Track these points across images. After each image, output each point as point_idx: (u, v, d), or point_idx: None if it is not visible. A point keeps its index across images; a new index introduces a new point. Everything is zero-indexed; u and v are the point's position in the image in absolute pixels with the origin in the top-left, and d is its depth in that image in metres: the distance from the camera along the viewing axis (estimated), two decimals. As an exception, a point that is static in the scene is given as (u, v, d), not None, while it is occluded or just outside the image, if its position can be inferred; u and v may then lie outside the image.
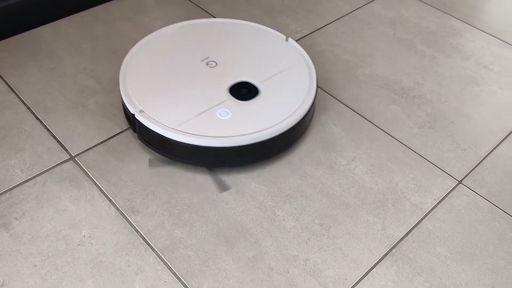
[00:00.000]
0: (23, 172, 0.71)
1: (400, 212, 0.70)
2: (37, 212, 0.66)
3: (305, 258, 0.64)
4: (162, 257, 0.63)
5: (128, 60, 0.79)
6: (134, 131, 0.74)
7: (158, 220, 0.66)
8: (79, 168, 0.72)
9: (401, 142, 0.80)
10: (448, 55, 0.97)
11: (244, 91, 0.75)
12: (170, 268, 0.62)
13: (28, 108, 0.80)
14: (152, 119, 0.70)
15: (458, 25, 1.04)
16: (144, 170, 0.72)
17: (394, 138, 0.80)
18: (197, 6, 1.03)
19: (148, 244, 0.64)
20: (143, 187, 0.70)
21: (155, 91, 0.75)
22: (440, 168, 0.76)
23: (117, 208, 0.67)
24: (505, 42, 1.00)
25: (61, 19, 0.97)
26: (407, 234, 0.67)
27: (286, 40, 0.85)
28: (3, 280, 0.59)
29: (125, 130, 0.78)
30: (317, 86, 0.78)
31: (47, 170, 0.71)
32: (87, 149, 0.75)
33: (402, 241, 0.66)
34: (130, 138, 0.77)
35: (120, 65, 0.90)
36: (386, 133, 0.81)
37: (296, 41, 0.97)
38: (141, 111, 0.71)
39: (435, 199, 0.72)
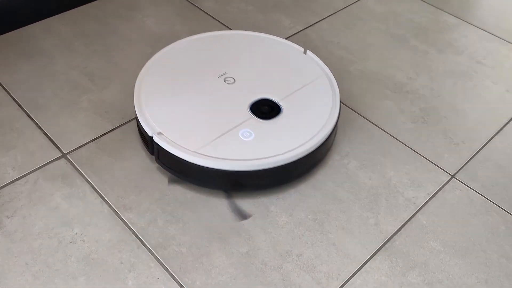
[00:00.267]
0: (15, 170, 0.70)
1: (393, 207, 0.70)
2: (29, 210, 0.66)
3: (298, 253, 0.64)
4: (155, 254, 0.62)
5: (142, 77, 0.75)
6: (151, 153, 0.70)
7: (151, 217, 0.66)
8: (71, 166, 0.71)
9: (394, 137, 0.80)
10: (441, 50, 0.97)
11: (265, 109, 0.72)
12: (163, 265, 0.61)
13: (20, 106, 0.80)
14: (171, 142, 0.66)
15: (451, 20, 1.04)
16: (136, 167, 0.72)
17: (387, 133, 0.80)
18: (190, 3, 1.03)
19: (141, 241, 0.64)
20: (136, 184, 0.70)
21: (173, 111, 0.71)
22: (433, 163, 0.76)
23: (109, 205, 0.67)
24: (498, 37, 1.01)
25: (52, 17, 0.96)
26: (400, 229, 0.67)
27: (305, 52, 0.82)
28: (-5, 279, 0.59)
29: (117, 127, 0.78)
30: (341, 102, 0.76)
31: (38, 168, 0.71)
32: (79, 147, 0.74)
33: (396, 236, 0.66)
34: (122, 136, 0.76)
35: (112, 62, 0.89)
36: (379, 128, 0.81)
37: (288, 37, 0.97)
38: (159, 133, 0.67)
39: (428, 194, 0.72)
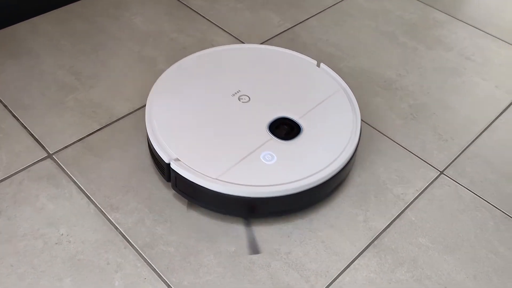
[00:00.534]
0: (0, 171, 0.69)
1: (382, 204, 0.69)
2: (14, 211, 0.65)
3: (287, 251, 0.63)
4: (142, 254, 0.62)
5: (152, 99, 0.71)
6: (167, 180, 0.66)
7: (138, 217, 0.66)
8: (57, 166, 0.71)
9: (383, 134, 0.79)
10: (431, 46, 0.97)
11: (285, 128, 0.68)
12: (150, 265, 0.61)
13: (5, 106, 0.79)
14: (190, 168, 0.62)
15: (440, 17, 1.04)
16: (124, 166, 0.71)
17: (376, 130, 0.80)
18: (178, 1, 1.02)
19: (128, 241, 0.63)
20: (123, 184, 0.69)
21: (188, 134, 0.67)
22: (422, 159, 0.76)
23: (96, 206, 0.66)
24: (487, 33, 1.01)
25: (38, 16, 0.95)
26: (389, 225, 0.67)
27: (318, 65, 0.79)
28: (-21, 281, 0.58)
29: (104, 126, 0.77)
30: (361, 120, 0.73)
31: (24, 169, 0.70)
32: (66, 147, 0.73)
33: (384, 233, 0.66)
34: (109, 135, 0.76)
35: (99, 61, 0.88)
36: (369, 125, 0.81)
37: (278, 35, 0.96)
38: (176, 159, 0.63)
39: (417, 190, 0.72)
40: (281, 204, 0.64)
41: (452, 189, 0.72)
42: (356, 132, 0.69)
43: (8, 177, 0.69)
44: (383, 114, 0.83)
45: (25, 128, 0.76)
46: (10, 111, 0.78)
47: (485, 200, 0.71)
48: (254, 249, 0.61)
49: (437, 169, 0.75)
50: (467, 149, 0.78)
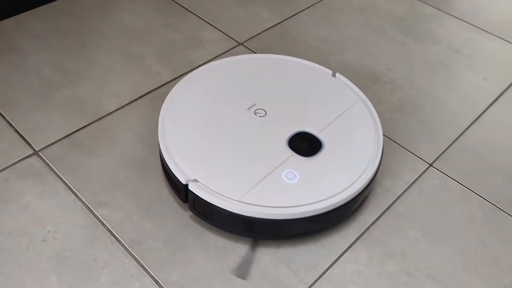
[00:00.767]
0: (-15, 169, 0.69)
1: (371, 196, 0.69)
2: (-1, 209, 0.64)
3: (276, 245, 0.63)
4: (130, 250, 0.61)
5: (164, 114, 0.68)
6: (184, 201, 0.63)
7: (126, 213, 0.65)
8: (43, 163, 0.70)
9: (372, 128, 0.79)
10: (419, 40, 0.97)
11: (305, 144, 0.65)
12: (138, 261, 0.60)
13: (-9, 103, 0.78)
14: (209, 190, 0.59)
15: (429, 11, 1.04)
16: (111, 163, 0.71)
17: (365, 123, 0.80)
18: (167, -3, 1.01)
19: (115, 238, 0.62)
20: (111, 180, 0.68)
21: (205, 152, 0.64)
22: (411, 152, 0.76)
23: (83, 202, 0.66)
24: (474, 26, 1.01)
25: (25, 13, 0.94)
26: (378, 218, 0.67)
27: (333, 75, 0.76)
28: (-37, 280, 0.57)
29: (92, 123, 0.76)
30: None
31: (9, 166, 0.69)
32: (52, 143, 0.73)
33: (374, 225, 0.66)
34: (97, 132, 0.75)
35: (87, 58, 0.87)
36: (358, 119, 0.81)
37: (267, 30, 0.96)
38: (194, 180, 0.60)
39: (406, 183, 0.72)
40: (307, 224, 0.61)
41: (441, 181, 0.72)
42: (378, 147, 0.67)
43: (-7, 174, 0.68)
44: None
45: (11, 125, 0.75)
46: (-4, 109, 0.77)
47: (474, 192, 0.71)
48: (244, 272, 0.59)
49: (426, 162, 0.75)
50: (455, 141, 0.79)
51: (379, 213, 0.68)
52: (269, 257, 0.62)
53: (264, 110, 0.69)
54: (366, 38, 0.96)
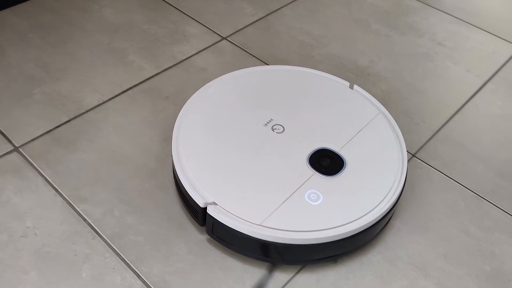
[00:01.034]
0: (-36, 166, 0.68)
1: (354, 188, 0.69)
2: (-22, 206, 0.63)
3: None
4: (111, 244, 0.61)
5: (179, 133, 0.65)
6: (201, 225, 0.60)
7: (107, 208, 0.64)
8: (23, 159, 0.69)
9: (356, 119, 0.80)
10: (403, 33, 0.97)
11: (327, 162, 0.62)
12: (119, 255, 0.60)
13: (-30, 100, 0.77)
14: (230, 214, 0.56)
15: (412, 4, 1.05)
16: (92, 158, 0.70)
17: (349, 115, 0.80)
18: (150, -8, 1.01)
19: (96, 232, 0.62)
20: (92, 175, 0.68)
21: (223, 173, 0.61)
22: (394, 143, 0.76)
23: (63, 198, 0.65)
24: (457, 18, 1.02)
25: (6, 9, 0.93)
26: (361, 209, 0.67)
27: (351, 87, 0.74)
28: None
29: (73, 118, 0.75)
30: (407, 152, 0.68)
31: (-11, 162, 0.68)
32: (33, 139, 0.72)
33: (356, 216, 0.66)
34: (78, 127, 0.74)
35: (68, 54, 0.86)
36: (341, 111, 0.81)
37: (250, 24, 0.96)
38: (213, 203, 0.58)
39: (389, 173, 0.72)
40: (336, 248, 0.58)
41: (423, 171, 0.73)
42: (403, 165, 0.64)
43: (-28, 171, 0.67)
44: (356, 100, 0.83)
45: (-9, 122, 0.74)
46: (-25, 105, 0.76)
47: (456, 181, 0.72)
48: None
49: (409, 152, 0.75)
50: (438, 132, 0.79)
51: (362, 204, 0.68)
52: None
53: (282, 126, 0.66)
54: (350, 31, 0.96)
